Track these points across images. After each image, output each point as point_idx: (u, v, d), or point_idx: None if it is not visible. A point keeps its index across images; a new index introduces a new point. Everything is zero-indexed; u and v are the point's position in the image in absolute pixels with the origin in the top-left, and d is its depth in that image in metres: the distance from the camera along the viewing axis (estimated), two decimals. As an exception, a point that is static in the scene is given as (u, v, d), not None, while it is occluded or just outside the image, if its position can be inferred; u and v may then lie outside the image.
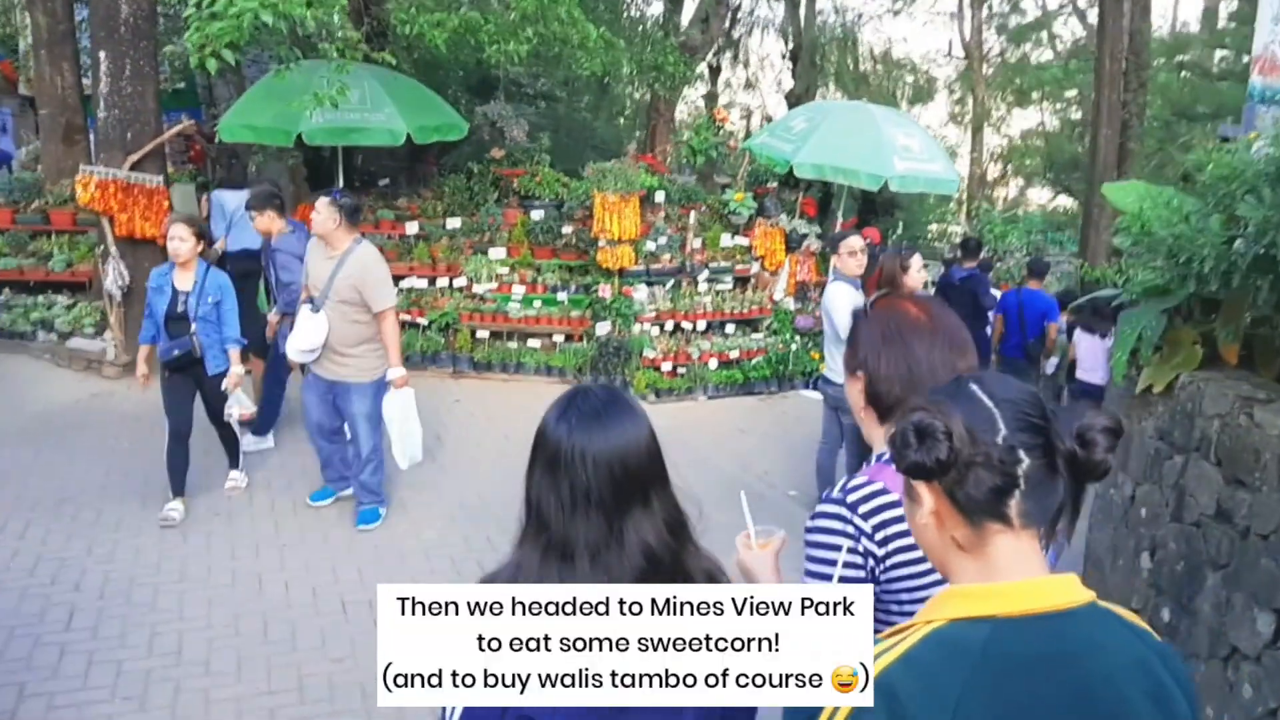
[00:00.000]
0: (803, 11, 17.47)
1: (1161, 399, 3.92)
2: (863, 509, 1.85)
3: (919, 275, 6.23)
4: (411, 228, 10.25)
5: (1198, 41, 19.06)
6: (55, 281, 9.74)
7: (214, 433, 6.44)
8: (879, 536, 1.84)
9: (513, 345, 10.01)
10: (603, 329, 9.80)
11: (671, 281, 10.32)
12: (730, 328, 10.37)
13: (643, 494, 1.71)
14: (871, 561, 1.86)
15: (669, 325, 10.18)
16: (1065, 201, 23.77)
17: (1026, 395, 1.32)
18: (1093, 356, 8.36)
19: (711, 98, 18.51)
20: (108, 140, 8.96)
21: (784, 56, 18.59)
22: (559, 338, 10.04)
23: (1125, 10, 16.53)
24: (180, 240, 5.87)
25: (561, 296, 10.10)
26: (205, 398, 6.19)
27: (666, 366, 9.95)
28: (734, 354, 10.12)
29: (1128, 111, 17.38)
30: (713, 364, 10.01)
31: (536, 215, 10.38)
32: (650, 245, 10.09)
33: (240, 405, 6.20)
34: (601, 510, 1.67)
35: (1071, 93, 21.75)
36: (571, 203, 10.32)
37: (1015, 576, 1.28)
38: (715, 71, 18.27)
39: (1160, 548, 3.92)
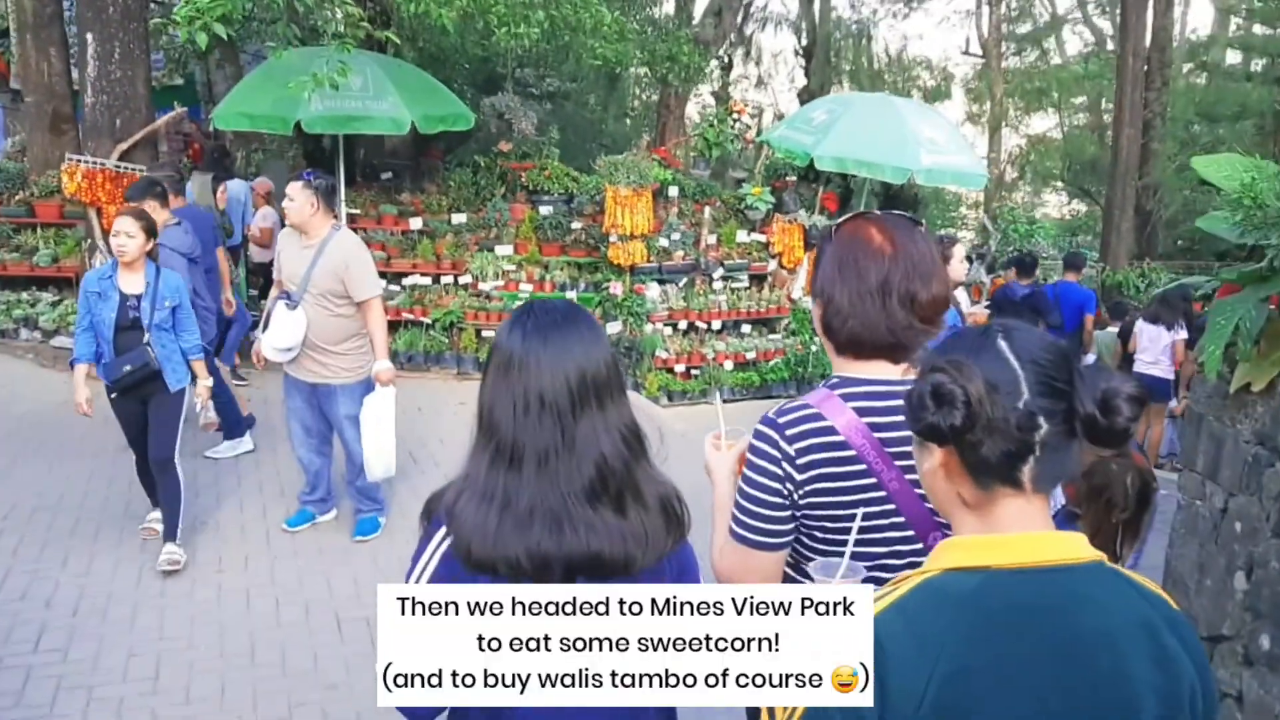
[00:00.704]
0: (817, 7, 17.07)
1: (1261, 399, 3.47)
2: (789, 431, 1.80)
3: (960, 266, 5.82)
4: (415, 223, 9.82)
5: (1221, 41, 18.65)
6: (40, 277, 9.33)
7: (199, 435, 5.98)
8: (800, 461, 1.79)
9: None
10: (613, 328, 9.35)
11: (685, 279, 9.89)
12: (746, 327, 9.93)
13: (598, 403, 1.69)
14: (790, 485, 1.82)
15: (682, 325, 9.75)
16: (1079, 206, 23.34)
17: (1055, 354, 1.27)
18: (1156, 348, 8.04)
19: (722, 95, 18.06)
20: (95, 128, 8.55)
21: (797, 53, 18.19)
22: (568, 338, 9.58)
23: (1148, 6, 16.15)
24: (128, 237, 4.95)
25: (570, 295, 9.64)
26: (157, 426, 5.15)
27: (680, 368, 9.51)
28: (750, 355, 9.68)
29: (1150, 111, 16.98)
30: (728, 365, 9.57)
31: (545, 210, 9.95)
32: (663, 241, 9.66)
33: (210, 415, 5.70)
34: (554, 416, 1.66)
35: (1079, 99, 21.35)
36: (581, 198, 9.88)
37: (1016, 533, 1.26)
38: (727, 68, 17.86)
39: (1259, 566, 3.47)
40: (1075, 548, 1.27)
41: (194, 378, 5.29)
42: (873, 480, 1.79)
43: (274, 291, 5.65)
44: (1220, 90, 17.94)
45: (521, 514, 1.64)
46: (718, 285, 9.89)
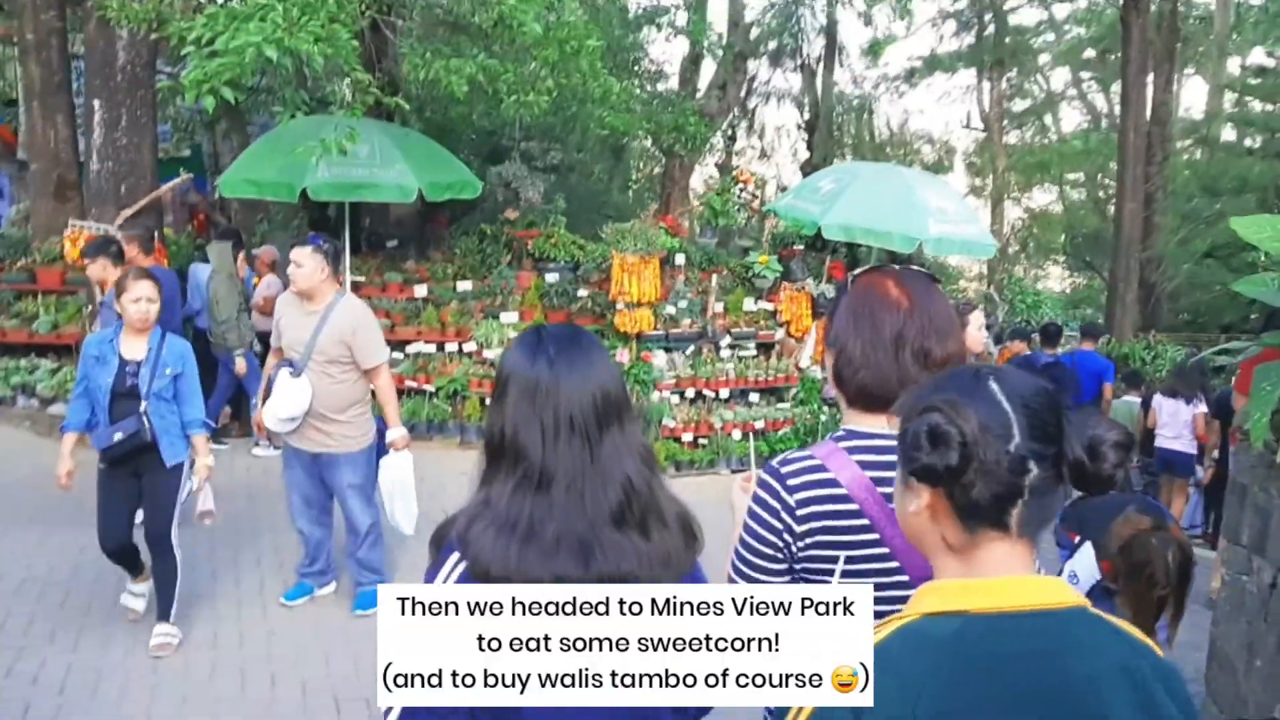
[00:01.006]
0: (819, 82, 17.24)
1: (1312, 467, 3.31)
2: (790, 482, 1.81)
3: (978, 334, 5.65)
4: (419, 290, 9.73)
5: (1220, 117, 18.83)
6: (40, 344, 9.19)
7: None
8: (800, 512, 1.80)
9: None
10: (620, 397, 9.19)
11: (692, 347, 9.77)
12: (754, 396, 9.78)
13: (619, 423, 1.69)
14: (788, 536, 1.82)
15: (689, 393, 9.60)
16: (1079, 279, 23.35)
17: (1045, 398, 1.27)
18: (1177, 422, 7.94)
19: (726, 167, 18.17)
20: (100, 194, 8.52)
21: (799, 127, 18.34)
22: (573, 406, 9.43)
23: (1148, 82, 16.34)
24: (149, 301, 4.71)
25: (576, 363, 9.51)
26: (152, 502, 4.86)
27: (687, 437, 9.34)
28: (759, 424, 9.50)
29: (1152, 185, 17.08)
30: (736, 434, 9.40)
31: (551, 278, 9.87)
32: (670, 309, 9.56)
33: (204, 501, 4.99)
34: (583, 438, 1.65)
35: (1079, 174, 21.46)
36: (588, 265, 9.82)
37: (998, 576, 1.25)
38: (730, 141, 18.00)
39: (1314, 644, 3.27)
40: (1057, 592, 1.26)
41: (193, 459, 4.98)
42: (875, 536, 1.77)
43: (271, 359, 5.46)
44: (1221, 164, 18.07)
45: (548, 542, 1.60)
46: (725, 353, 9.77)
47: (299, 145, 8.45)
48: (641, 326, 9.24)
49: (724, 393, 9.65)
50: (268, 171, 8.58)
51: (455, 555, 1.66)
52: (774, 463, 1.87)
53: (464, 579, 1.64)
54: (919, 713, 1.15)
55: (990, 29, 18.31)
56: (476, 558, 1.60)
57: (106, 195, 8.48)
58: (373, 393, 5.39)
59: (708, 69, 15.90)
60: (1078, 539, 4.49)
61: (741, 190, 10.08)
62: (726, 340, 9.74)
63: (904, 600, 1.70)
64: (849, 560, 1.78)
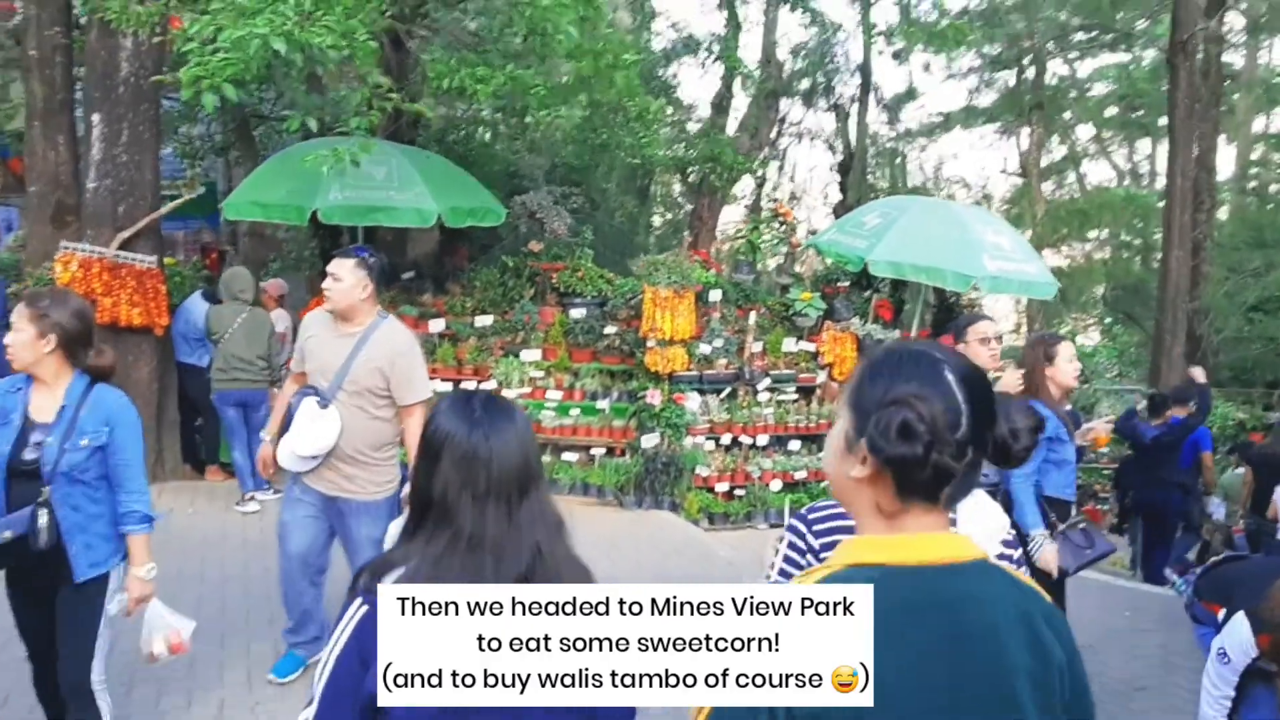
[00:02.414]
0: (853, 125, 16.73)
1: None
2: (817, 527, 1.96)
3: (1070, 367, 4.87)
4: (436, 325, 9.05)
5: (1270, 166, 18.24)
6: (28, 374, 8.54)
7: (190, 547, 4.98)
8: (824, 556, 1.85)
9: (546, 459, 8.67)
10: (649, 441, 8.50)
11: (727, 390, 9.08)
12: (795, 444, 9.05)
13: (536, 489, 1.82)
14: None
15: (725, 439, 8.88)
16: (1116, 329, 22.57)
17: (984, 384, 1.39)
18: None
19: (756, 208, 17.64)
20: (97, 214, 7.93)
21: (831, 169, 17.80)
22: (598, 451, 8.73)
23: (1195, 127, 15.73)
24: (34, 336, 3.33)
25: (602, 404, 8.84)
26: (63, 635, 3.43)
27: (722, 487, 8.62)
28: (800, 475, 8.77)
29: (1199, 233, 16.41)
30: (775, 485, 8.67)
31: (576, 314, 9.22)
32: (704, 348, 8.88)
33: (166, 633, 3.65)
34: (506, 504, 1.77)
35: (1106, 228, 20.81)
36: (616, 300, 9.17)
37: (919, 534, 1.37)
38: (761, 182, 17.46)
39: None
40: (962, 547, 1.39)
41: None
42: None
43: (290, 385, 4.72)
44: (1269, 215, 17.37)
45: None
46: (763, 397, 9.06)
47: (311, 166, 7.90)
48: (674, 366, 8.56)
49: (762, 439, 8.94)
50: (276, 193, 7.98)
51: (358, 602, 1.74)
52: (802, 510, 2.02)
53: (368, 621, 1.67)
54: None
55: (1030, 73, 17.83)
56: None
57: (104, 216, 7.89)
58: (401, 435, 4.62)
59: (738, 109, 15.40)
60: (1223, 612, 3.77)
61: (782, 224, 9.44)
62: (765, 382, 9.04)
63: None
64: None
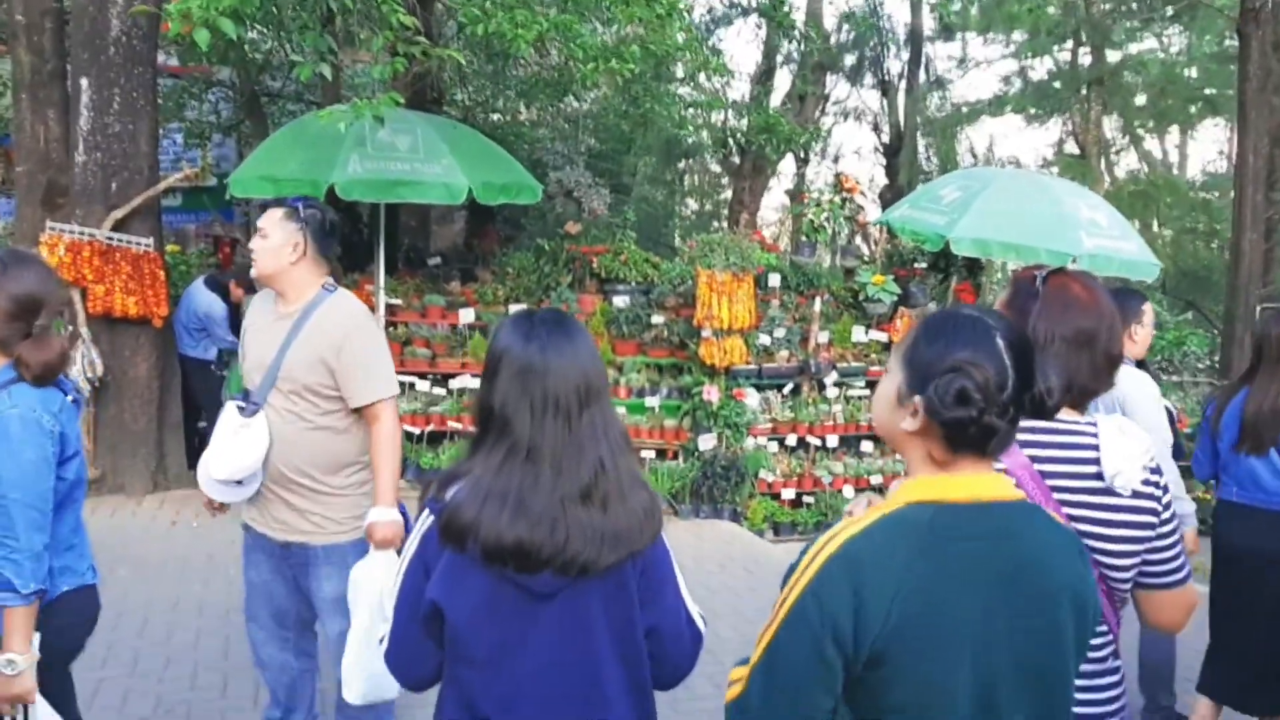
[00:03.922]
0: (901, 102, 15.73)
1: None
2: None
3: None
4: (466, 316, 8.14)
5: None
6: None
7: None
8: None
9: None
10: (707, 443, 7.57)
11: (790, 385, 8.15)
12: (867, 445, 8.10)
13: (598, 405, 1.82)
14: None
15: (790, 440, 7.95)
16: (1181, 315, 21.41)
17: (1026, 345, 1.53)
18: None
19: (795, 192, 16.68)
20: (87, 191, 7.08)
21: (876, 150, 16.80)
22: (648, 454, 7.80)
23: (1269, 100, 14.72)
24: None
25: (651, 402, 7.93)
26: None
27: (788, 494, 7.70)
28: (875, 479, 7.82)
29: (1274, 214, 15.38)
30: (847, 491, 7.73)
31: (620, 301, 8.31)
32: (763, 339, 7.96)
33: None
34: (565, 419, 1.77)
35: (1166, 213, 19.74)
36: (663, 286, 8.25)
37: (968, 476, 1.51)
38: (803, 163, 16.47)
39: None
40: (1007, 488, 1.54)
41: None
42: None
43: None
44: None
45: (534, 514, 1.71)
46: (831, 393, 8.12)
47: (325, 138, 7.03)
48: (733, 359, 7.64)
49: (831, 440, 8.00)
50: (288, 166, 7.08)
51: (428, 515, 1.82)
52: None
53: (432, 534, 1.78)
54: (903, 587, 1.40)
55: (1086, 49, 16.81)
56: (458, 521, 1.72)
57: (94, 193, 7.04)
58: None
59: (779, 86, 14.46)
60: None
61: (847, 200, 8.49)
62: (832, 377, 8.09)
63: None
64: None
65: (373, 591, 2.99)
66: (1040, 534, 1.50)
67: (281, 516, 3.22)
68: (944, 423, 1.44)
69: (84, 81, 6.95)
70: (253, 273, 3.27)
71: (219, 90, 11.24)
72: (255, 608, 3.39)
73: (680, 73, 7.19)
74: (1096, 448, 1.89)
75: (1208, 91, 17.71)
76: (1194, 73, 17.91)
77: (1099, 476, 1.87)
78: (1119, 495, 1.87)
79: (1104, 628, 1.92)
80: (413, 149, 7.27)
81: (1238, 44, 14.77)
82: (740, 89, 14.22)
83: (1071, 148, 17.83)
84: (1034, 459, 1.88)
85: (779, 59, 13.63)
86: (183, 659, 4.63)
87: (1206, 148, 28.44)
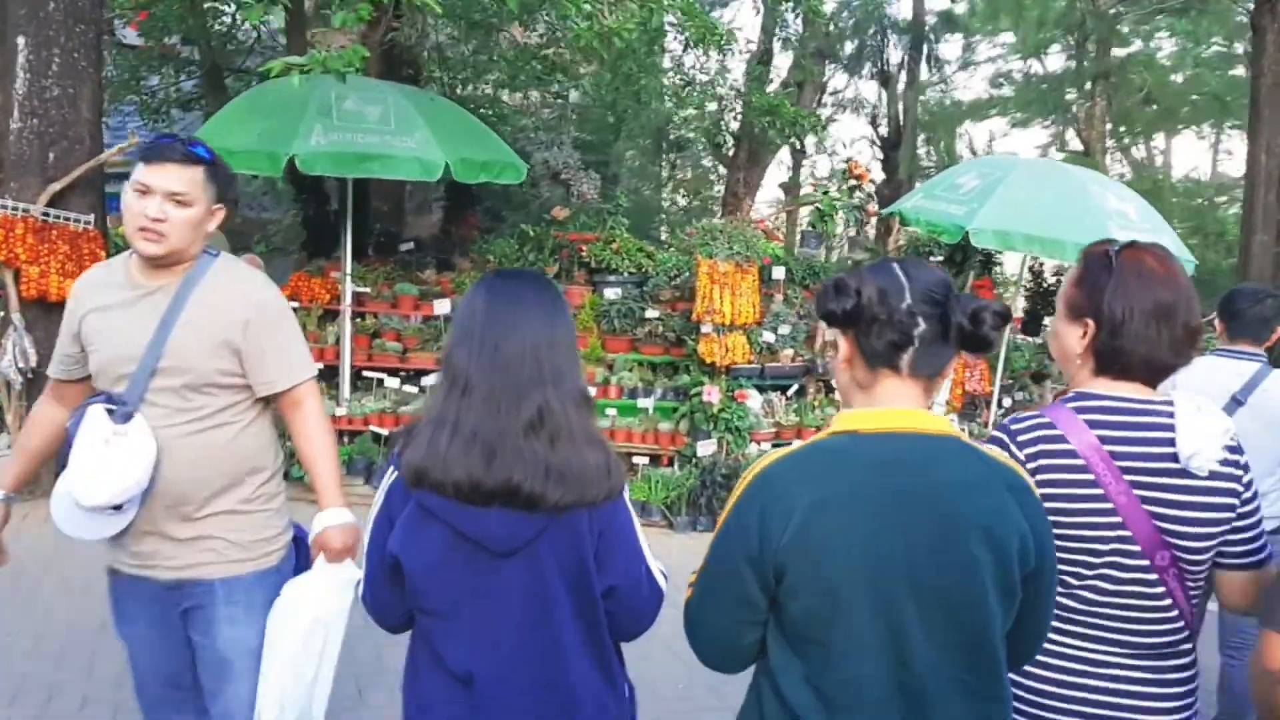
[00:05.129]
0: (901, 94, 15.13)
1: None
2: (1021, 438, 1.93)
3: None
4: (441, 307, 7.46)
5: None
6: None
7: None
8: (1030, 467, 1.87)
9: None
10: (706, 449, 6.92)
11: (795, 386, 7.51)
12: (878, 453, 7.48)
13: (550, 358, 1.81)
14: None
15: (794, 445, 7.31)
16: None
17: (937, 278, 1.58)
18: None
19: (790, 186, 16.08)
20: (22, 161, 6.37)
21: (873, 143, 16.18)
22: (641, 460, 7.14)
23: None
24: None
25: (644, 403, 7.27)
26: None
27: (792, 505, 7.05)
28: (885, 489, 7.20)
29: (1284, 214, 14.90)
30: (857, 503, 7.10)
31: (611, 294, 7.68)
32: (767, 336, 7.32)
33: None
34: (505, 362, 1.78)
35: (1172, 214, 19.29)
36: (658, 278, 7.61)
37: (891, 408, 1.58)
38: (799, 154, 15.85)
39: None
40: (936, 423, 1.58)
41: None
42: (1099, 491, 1.84)
43: (50, 408, 2.64)
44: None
45: (467, 438, 1.74)
46: (838, 395, 7.49)
47: (289, 106, 6.37)
48: (734, 357, 7.00)
49: (838, 446, 7.37)
50: (245, 138, 6.36)
51: (391, 469, 1.86)
52: (1005, 421, 2.00)
53: (395, 486, 1.83)
54: (803, 501, 1.49)
55: (1091, 41, 16.28)
56: (410, 461, 1.77)
57: (30, 163, 6.33)
58: (288, 444, 2.74)
59: (778, 68, 13.84)
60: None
61: (856, 188, 7.87)
62: (840, 377, 7.47)
63: (1126, 555, 1.84)
64: (1075, 524, 1.85)
65: (307, 617, 2.41)
66: (953, 468, 1.53)
67: (167, 551, 2.45)
68: (825, 316, 1.59)
69: (20, 40, 6.23)
70: (151, 250, 2.37)
71: (178, 62, 10.50)
72: (142, 674, 2.59)
73: (679, 46, 6.55)
74: (1172, 428, 1.86)
75: (1206, 91, 17.23)
76: (1184, 76, 17.48)
77: (1174, 457, 1.83)
78: (1194, 476, 1.83)
79: (1175, 612, 1.88)
80: (383, 119, 6.60)
81: (1251, 37, 14.32)
82: (737, 69, 13.67)
83: (1071, 146, 17.29)
84: (1104, 439, 1.85)
85: (776, 44, 13.01)
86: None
87: (1193, 152, 28.07)
